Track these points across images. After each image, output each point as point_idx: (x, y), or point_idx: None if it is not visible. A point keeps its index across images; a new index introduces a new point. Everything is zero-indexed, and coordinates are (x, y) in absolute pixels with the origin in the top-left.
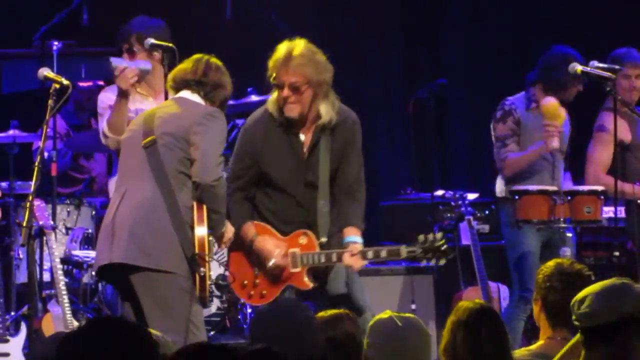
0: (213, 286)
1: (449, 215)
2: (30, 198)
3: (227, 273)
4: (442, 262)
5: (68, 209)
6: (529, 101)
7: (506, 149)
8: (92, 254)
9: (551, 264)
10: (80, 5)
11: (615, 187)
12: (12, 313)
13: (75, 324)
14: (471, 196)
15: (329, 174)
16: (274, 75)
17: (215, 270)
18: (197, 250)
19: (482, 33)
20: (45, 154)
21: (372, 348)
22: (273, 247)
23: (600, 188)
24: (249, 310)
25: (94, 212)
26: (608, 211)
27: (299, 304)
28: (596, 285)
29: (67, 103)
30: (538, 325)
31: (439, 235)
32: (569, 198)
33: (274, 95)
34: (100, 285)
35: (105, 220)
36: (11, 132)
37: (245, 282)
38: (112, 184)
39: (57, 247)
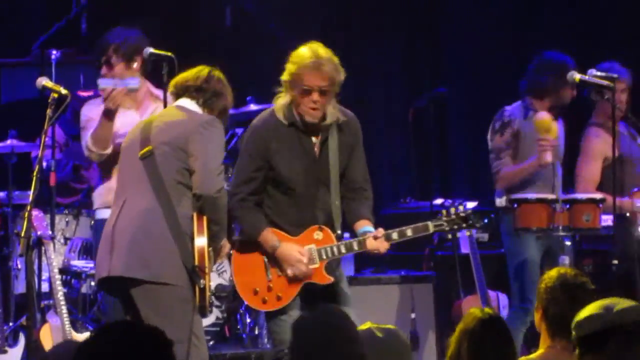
0: (212, 297)
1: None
2: (29, 208)
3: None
4: (477, 225)
5: (67, 219)
6: (527, 110)
7: (500, 162)
8: (90, 264)
9: (554, 274)
10: (79, 15)
11: (614, 200)
12: (11, 323)
13: (74, 334)
14: (470, 205)
15: (339, 173)
16: (303, 79)
17: (214, 280)
18: (197, 262)
19: (483, 42)
20: (44, 164)
21: None
22: (298, 254)
23: (599, 196)
24: (248, 320)
25: (92, 222)
26: (607, 219)
27: (343, 313)
28: (596, 303)
29: (66, 112)
30: (539, 332)
31: (460, 207)
32: (568, 206)
33: (285, 99)
34: (99, 295)
35: (105, 232)
36: (9, 141)
37: (257, 289)
38: (97, 195)
39: (55, 257)
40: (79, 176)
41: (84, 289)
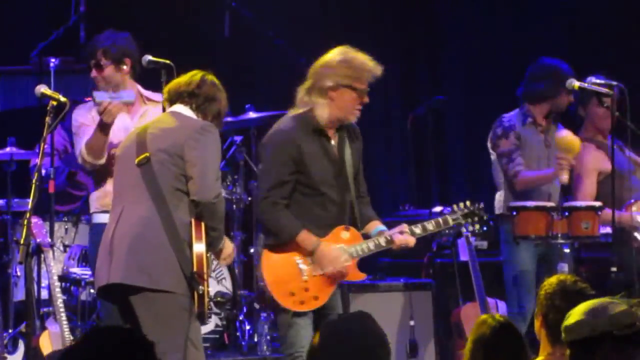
0: (211, 303)
1: (447, 231)
2: (28, 215)
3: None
4: (483, 227)
5: (66, 227)
6: (525, 117)
7: (514, 163)
8: (89, 271)
9: (554, 280)
10: (77, 23)
11: (613, 215)
12: (10, 331)
13: None
14: None
15: (352, 173)
16: (362, 81)
17: (213, 287)
18: (195, 268)
19: (481, 50)
20: (43, 171)
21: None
22: (338, 252)
23: (597, 204)
24: (248, 328)
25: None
26: (606, 227)
27: (371, 318)
28: (587, 303)
29: (64, 120)
30: (539, 339)
31: (468, 202)
32: (567, 214)
33: (325, 102)
34: (98, 303)
35: (104, 240)
36: (8, 149)
37: (293, 291)
38: (93, 200)
39: (54, 264)
40: (77, 183)
41: (83, 296)
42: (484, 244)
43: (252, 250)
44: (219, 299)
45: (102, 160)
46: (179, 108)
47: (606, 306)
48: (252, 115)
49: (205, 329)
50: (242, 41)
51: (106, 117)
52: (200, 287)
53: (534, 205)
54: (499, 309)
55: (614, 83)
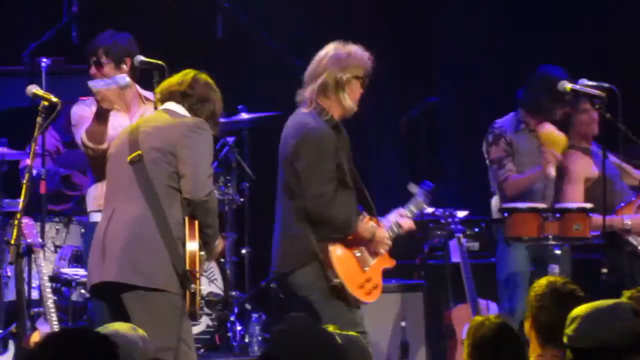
0: (203, 302)
1: (439, 232)
2: (19, 216)
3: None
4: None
5: (57, 227)
6: (518, 122)
7: (505, 169)
8: (81, 271)
9: (544, 282)
10: (69, 23)
11: (604, 220)
12: (0, 331)
13: None
14: (461, 214)
15: None
16: (365, 71)
17: (205, 286)
18: (188, 267)
19: (475, 51)
20: (34, 172)
21: None
22: (388, 234)
23: (589, 205)
24: (239, 328)
25: (83, 230)
26: (597, 232)
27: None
28: (587, 306)
29: (56, 120)
30: (529, 340)
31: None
32: (558, 215)
33: (346, 95)
34: (89, 303)
35: (96, 238)
36: None
37: (361, 282)
38: (89, 197)
39: (45, 265)
40: (72, 184)
41: (74, 297)
42: (475, 246)
43: (243, 251)
44: (211, 298)
45: (104, 146)
46: (172, 106)
47: (610, 313)
48: (244, 116)
49: (197, 329)
50: (235, 42)
51: (105, 104)
52: (193, 285)
53: (525, 207)
54: (490, 310)
55: (606, 85)
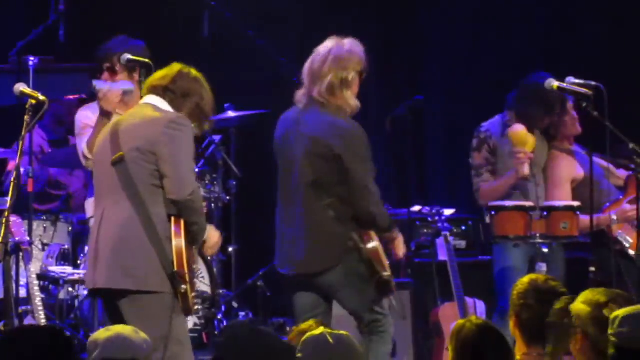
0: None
1: (425, 231)
2: (7, 214)
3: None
4: None
5: (44, 225)
6: (505, 126)
7: (479, 179)
8: (68, 269)
9: (525, 280)
10: (56, 21)
11: (591, 220)
12: None
13: None
14: (448, 212)
15: None
16: (364, 65)
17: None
18: (176, 267)
19: (461, 49)
20: (22, 170)
21: None
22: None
23: (576, 204)
24: None
25: (70, 228)
26: (585, 231)
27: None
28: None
29: (43, 119)
30: (514, 339)
31: None
32: (545, 214)
33: (351, 93)
34: (77, 301)
35: (90, 242)
36: None
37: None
38: (89, 204)
39: (33, 263)
40: (57, 182)
41: (61, 295)
42: (462, 244)
43: (230, 249)
44: (199, 297)
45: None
46: (153, 99)
47: None
48: (231, 114)
49: None
50: (221, 40)
51: (105, 104)
52: (183, 285)
53: (512, 205)
54: (477, 309)
55: (593, 83)
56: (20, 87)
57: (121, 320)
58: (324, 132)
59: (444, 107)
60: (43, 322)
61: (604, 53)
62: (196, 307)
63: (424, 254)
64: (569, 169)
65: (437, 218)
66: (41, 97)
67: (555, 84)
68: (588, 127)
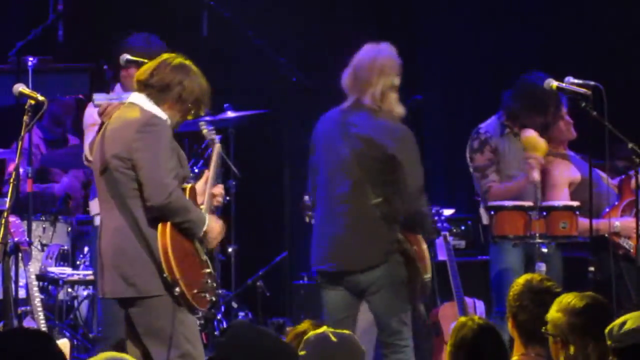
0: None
1: None
2: (6, 214)
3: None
4: None
5: (44, 225)
6: (503, 127)
7: (487, 179)
8: (67, 270)
9: (521, 281)
10: (55, 22)
11: (591, 224)
12: None
13: None
14: (447, 212)
15: None
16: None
17: None
18: (166, 272)
19: (459, 49)
20: (21, 170)
21: None
22: None
23: (575, 203)
24: (225, 327)
25: (69, 229)
26: (585, 234)
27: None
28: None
29: (42, 119)
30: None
31: None
32: (545, 213)
33: (395, 97)
34: (76, 301)
35: (97, 250)
36: None
37: None
38: (93, 205)
39: (32, 263)
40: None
41: (61, 296)
42: (461, 244)
43: (230, 250)
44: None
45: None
46: (135, 97)
47: None
48: (230, 114)
49: None
50: (220, 40)
51: (105, 119)
52: (176, 289)
53: (511, 205)
54: (477, 309)
55: (592, 83)
56: (19, 88)
57: (133, 325)
58: (378, 134)
59: (443, 107)
60: (42, 322)
61: (605, 49)
62: (212, 298)
63: None
64: (566, 171)
65: (436, 218)
66: (40, 98)
67: (554, 84)
68: (587, 128)
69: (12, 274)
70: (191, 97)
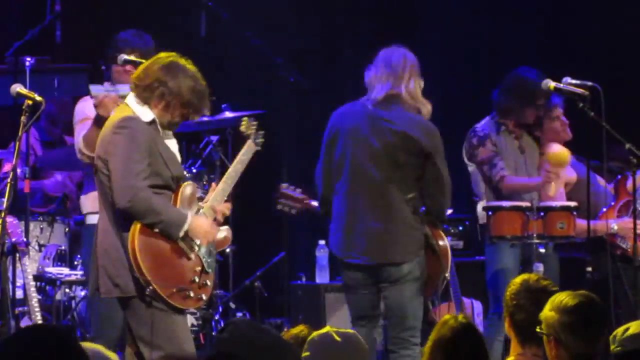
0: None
1: None
2: (3, 215)
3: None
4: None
5: (41, 226)
6: (498, 125)
7: (497, 168)
8: (65, 270)
9: (517, 280)
10: (53, 22)
11: (588, 225)
12: None
13: None
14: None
15: None
16: None
17: None
18: (137, 273)
19: (456, 49)
20: (19, 171)
21: None
22: None
23: (572, 203)
24: None
25: (67, 229)
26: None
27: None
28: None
29: (39, 119)
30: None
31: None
32: (542, 214)
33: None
34: (73, 302)
35: (93, 250)
36: None
37: None
38: (86, 200)
39: (30, 264)
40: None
41: (58, 296)
42: (459, 244)
43: (227, 250)
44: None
45: None
46: (129, 98)
47: None
48: (228, 115)
49: None
50: (218, 41)
51: (102, 111)
52: (149, 287)
53: (509, 205)
54: (475, 309)
55: (589, 83)
56: (17, 88)
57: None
58: (414, 129)
59: (441, 107)
60: (40, 323)
61: (603, 50)
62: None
63: None
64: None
65: None
66: (38, 98)
67: (552, 84)
68: (585, 128)
69: (10, 274)
70: (177, 98)
